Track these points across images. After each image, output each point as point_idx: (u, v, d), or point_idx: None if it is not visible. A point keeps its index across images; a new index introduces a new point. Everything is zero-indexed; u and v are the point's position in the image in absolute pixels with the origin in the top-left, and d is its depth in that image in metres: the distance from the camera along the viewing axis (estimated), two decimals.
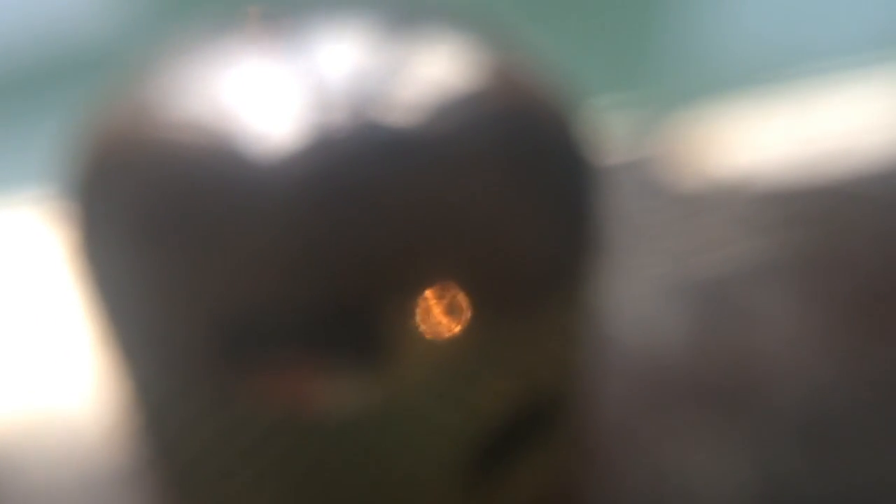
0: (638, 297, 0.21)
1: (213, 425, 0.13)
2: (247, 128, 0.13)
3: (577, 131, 0.15)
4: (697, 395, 0.20)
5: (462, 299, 0.13)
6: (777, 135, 0.23)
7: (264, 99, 0.14)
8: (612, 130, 0.23)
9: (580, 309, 0.14)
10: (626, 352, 0.20)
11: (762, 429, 0.19)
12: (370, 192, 0.13)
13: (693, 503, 0.18)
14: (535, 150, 0.14)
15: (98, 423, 0.19)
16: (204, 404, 0.13)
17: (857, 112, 0.24)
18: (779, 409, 0.19)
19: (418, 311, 0.13)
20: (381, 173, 0.13)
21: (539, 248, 0.13)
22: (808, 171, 0.23)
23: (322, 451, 0.13)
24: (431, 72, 0.14)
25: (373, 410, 0.13)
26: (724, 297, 0.21)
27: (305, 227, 0.13)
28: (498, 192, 0.13)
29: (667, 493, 0.19)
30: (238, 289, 0.12)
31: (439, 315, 0.13)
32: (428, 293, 0.13)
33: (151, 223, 0.13)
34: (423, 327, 0.13)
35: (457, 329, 0.13)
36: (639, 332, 0.20)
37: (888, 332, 0.20)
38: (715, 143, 0.23)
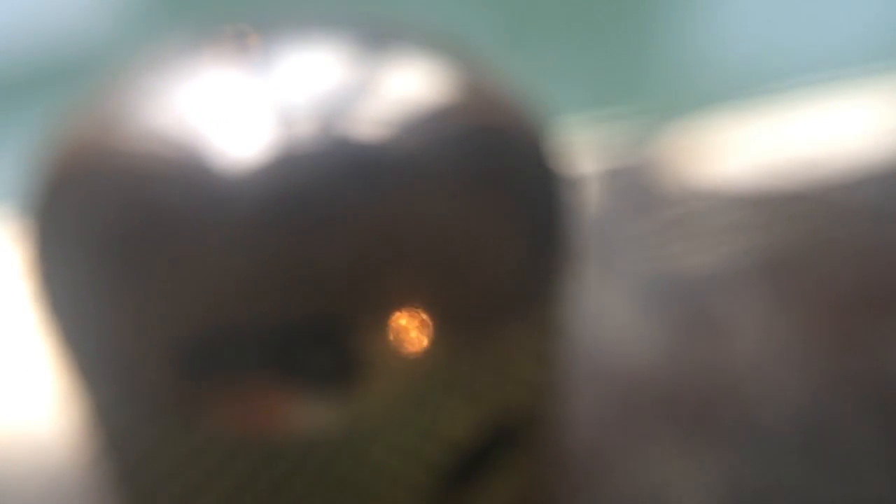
0: (612, 308, 0.21)
1: (174, 449, 0.13)
2: (212, 142, 0.13)
3: (548, 150, 0.15)
4: (671, 409, 0.19)
5: (429, 319, 0.13)
6: (757, 145, 0.23)
7: (231, 114, 0.13)
8: (593, 141, 0.23)
9: (549, 328, 0.14)
10: (598, 365, 0.20)
11: (735, 443, 0.19)
12: (336, 209, 0.13)
13: None
14: (504, 168, 0.14)
15: (64, 440, 0.19)
16: (165, 429, 0.13)
17: (838, 122, 0.24)
18: (753, 423, 0.19)
19: (386, 331, 0.12)
20: (348, 190, 0.13)
21: (508, 266, 0.13)
22: (788, 181, 0.23)
23: (287, 474, 0.13)
24: (400, 89, 0.14)
25: (339, 434, 0.13)
26: (700, 307, 0.21)
27: (270, 244, 0.12)
28: (466, 210, 0.13)
29: None
30: (200, 309, 0.12)
31: (407, 335, 0.13)
32: (395, 313, 0.13)
33: (109, 239, 0.13)
34: (390, 348, 0.13)
35: (424, 349, 0.13)
36: (612, 344, 0.20)
37: (865, 342, 0.20)
38: (696, 153, 0.23)
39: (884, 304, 0.21)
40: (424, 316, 0.13)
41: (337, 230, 0.13)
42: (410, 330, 0.13)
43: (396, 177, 0.13)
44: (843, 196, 0.22)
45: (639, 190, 0.23)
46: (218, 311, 0.12)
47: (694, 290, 0.21)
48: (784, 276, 0.21)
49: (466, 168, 0.13)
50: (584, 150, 0.23)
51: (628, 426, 0.19)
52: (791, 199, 0.22)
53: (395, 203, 0.13)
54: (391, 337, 0.12)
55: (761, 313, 0.21)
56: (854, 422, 0.19)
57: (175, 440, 0.13)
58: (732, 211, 0.22)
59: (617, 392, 0.20)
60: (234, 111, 0.13)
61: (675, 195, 0.22)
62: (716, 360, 0.20)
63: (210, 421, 0.12)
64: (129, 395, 0.12)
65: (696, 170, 0.23)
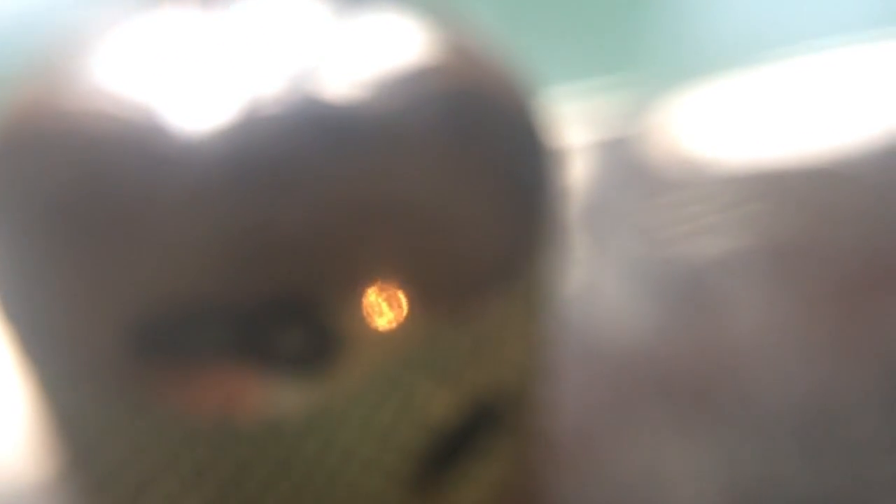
0: (603, 284, 0.20)
1: (127, 433, 0.12)
2: (169, 101, 0.12)
3: (535, 116, 0.14)
4: (665, 391, 0.18)
5: (404, 293, 0.12)
6: (756, 117, 0.22)
7: (190, 71, 0.12)
8: (585, 112, 0.22)
9: (535, 304, 0.13)
10: (588, 345, 0.19)
11: (734, 427, 0.18)
12: (304, 174, 0.12)
13: None
14: (486, 132, 0.13)
15: (20, 432, 0.18)
16: (116, 411, 0.12)
17: (841, 92, 0.23)
18: (752, 405, 0.18)
19: (358, 306, 0.11)
20: (316, 152, 0.12)
21: (489, 237, 0.12)
22: (788, 154, 0.22)
23: (251, 460, 0.12)
24: (375, 47, 0.13)
25: (308, 417, 0.12)
26: (697, 284, 0.20)
27: (232, 212, 0.11)
28: (444, 175, 0.12)
29: (631, 496, 0.17)
30: (154, 282, 0.11)
31: (380, 311, 0.12)
32: (368, 287, 0.12)
33: (55, 204, 0.11)
34: (363, 325, 0.12)
35: (399, 326, 0.12)
36: (603, 322, 0.19)
37: (870, 321, 0.19)
38: (692, 125, 0.22)
39: (890, 282, 0.20)
40: (399, 290, 0.12)
41: (304, 196, 0.12)
42: (384, 305, 0.12)
43: (369, 139, 0.12)
44: (847, 169, 0.21)
45: (632, 164, 0.22)
46: (174, 285, 0.11)
47: (690, 266, 0.20)
48: (785, 252, 0.20)
49: (445, 130, 0.12)
50: (576, 120, 0.22)
51: (620, 408, 0.18)
52: (792, 173, 0.21)
53: (367, 167, 0.12)
54: (364, 313, 0.11)
55: (761, 291, 0.20)
56: (858, 405, 0.18)
57: (128, 423, 0.12)
58: (731, 186, 0.21)
59: (608, 373, 0.19)
60: (194, 68, 0.12)
61: (671, 169, 0.21)
62: (713, 340, 0.19)
63: (165, 404, 0.11)
64: (76, 376, 0.11)
65: (691, 143, 0.22)
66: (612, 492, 0.17)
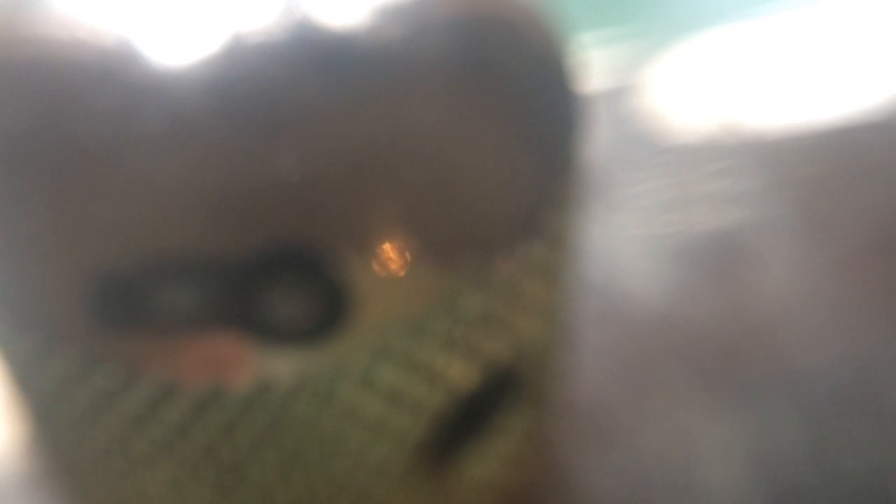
0: (623, 243, 0.18)
1: (88, 397, 0.10)
2: (144, 24, 0.10)
3: (561, 49, 0.12)
4: (690, 357, 0.17)
5: (419, 244, 0.10)
6: (774, 73, 0.21)
7: None
8: (598, 69, 0.20)
9: (561, 259, 0.12)
10: (607, 307, 0.18)
11: (766, 396, 0.17)
12: (301, 108, 0.10)
13: (680, 490, 0.16)
14: (508, 64, 0.11)
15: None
16: (78, 376, 0.10)
17: (864, 42, 0.21)
18: (786, 372, 0.17)
19: (368, 258, 0.10)
20: (314, 84, 0.10)
21: (513, 183, 0.11)
22: (808, 112, 0.20)
23: (237, 422, 0.10)
24: None
25: (315, 387, 0.10)
26: (722, 242, 0.18)
27: (217, 150, 0.10)
28: (459, 110, 0.11)
29: (655, 467, 0.16)
30: (128, 232, 0.10)
31: (395, 264, 0.10)
32: (379, 236, 0.10)
33: (14, 141, 0.10)
34: (375, 282, 0.10)
35: (415, 282, 0.10)
36: (622, 283, 0.18)
37: None
38: (707, 82, 0.20)
39: None
40: (410, 243, 0.10)
41: (300, 133, 0.10)
42: (395, 260, 0.10)
43: (371, 70, 0.10)
44: (879, 117, 0.20)
45: (647, 115, 0.20)
46: (149, 235, 0.10)
47: (712, 220, 0.19)
48: (814, 210, 0.19)
49: (459, 61, 0.11)
50: (589, 71, 0.21)
51: (642, 375, 0.17)
52: (819, 122, 0.20)
53: (369, 101, 0.10)
54: (372, 268, 0.10)
55: (790, 251, 0.18)
56: None
57: (90, 388, 0.10)
58: (753, 136, 0.20)
59: (629, 337, 0.17)
60: None
61: (688, 120, 0.20)
62: (741, 301, 0.18)
63: (136, 372, 0.10)
64: (33, 337, 0.10)
65: (708, 94, 0.20)
66: (635, 462, 0.16)
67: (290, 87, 0.10)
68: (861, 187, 0.19)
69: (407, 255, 0.10)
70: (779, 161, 0.19)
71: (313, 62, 0.10)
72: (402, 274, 0.10)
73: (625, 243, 0.18)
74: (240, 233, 0.10)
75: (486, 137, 0.11)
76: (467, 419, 0.12)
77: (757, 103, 0.20)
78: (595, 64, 0.21)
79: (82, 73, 0.10)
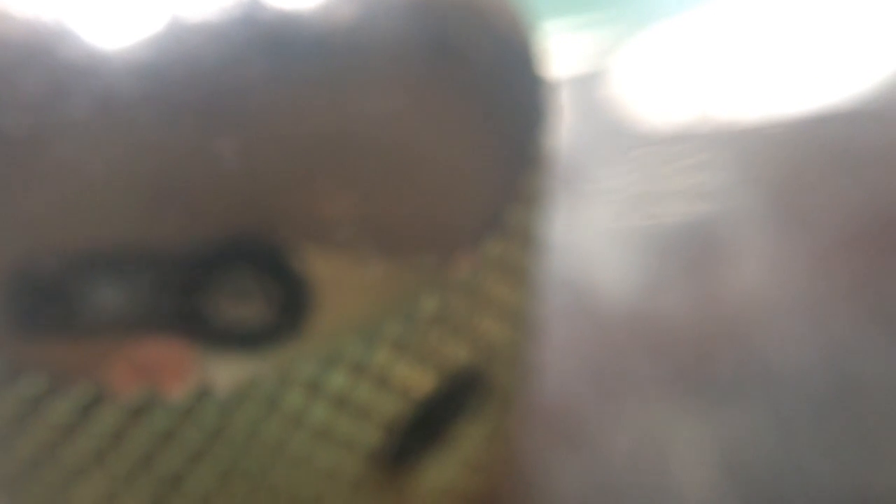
0: (588, 234, 0.18)
1: (10, 404, 0.10)
2: (79, 2, 0.10)
3: (523, 34, 0.11)
4: (661, 352, 0.16)
5: (374, 241, 0.10)
6: (747, 62, 0.20)
7: None
8: (565, 50, 0.20)
9: (526, 253, 0.11)
10: (572, 303, 0.17)
11: (740, 396, 0.16)
12: (245, 92, 0.09)
13: (650, 493, 0.15)
14: (471, 48, 0.11)
15: None
16: (3, 382, 0.09)
17: (841, 30, 0.20)
18: (757, 370, 0.16)
19: (316, 257, 0.09)
20: (259, 67, 0.10)
21: (477, 176, 0.10)
22: (782, 102, 0.20)
23: (174, 430, 0.10)
24: None
25: (259, 394, 0.09)
26: (693, 233, 0.18)
27: (153, 140, 0.09)
28: (417, 97, 0.10)
29: (623, 470, 0.15)
30: (52, 228, 0.09)
31: (347, 263, 0.09)
32: (329, 232, 0.09)
33: None
34: (331, 279, 0.09)
35: (373, 280, 0.09)
36: (589, 276, 0.17)
37: (884, 276, 0.17)
38: (681, 63, 0.20)
39: None
40: (368, 237, 0.09)
41: (243, 118, 0.09)
42: (350, 257, 0.09)
43: (320, 53, 0.10)
44: (854, 106, 0.19)
45: (617, 104, 0.19)
46: (74, 227, 0.09)
47: (683, 213, 0.18)
48: (789, 201, 0.18)
49: (417, 44, 0.10)
50: (557, 59, 0.20)
51: (611, 375, 0.16)
52: (792, 111, 0.19)
53: (318, 86, 0.10)
54: (324, 266, 0.09)
55: (764, 243, 0.18)
56: (878, 366, 0.16)
57: (13, 397, 0.09)
58: (726, 126, 0.19)
59: (597, 335, 0.17)
60: None
61: (659, 109, 0.19)
62: (714, 298, 0.17)
63: (64, 379, 0.09)
64: None
65: (680, 81, 0.20)
66: (604, 465, 0.16)
67: (232, 71, 0.09)
68: (836, 179, 0.18)
69: (360, 252, 0.09)
70: (752, 152, 0.19)
71: (257, 44, 0.10)
72: (354, 273, 0.09)
73: (594, 236, 0.18)
74: (175, 226, 0.09)
75: (446, 126, 0.10)
76: (425, 424, 0.11)
77: (730, 92, 0.19)
78: (564, 51, 0.20)
79: (4, 50, 0.09)
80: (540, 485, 0.15)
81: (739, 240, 0.18)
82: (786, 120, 0.19)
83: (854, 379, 0.16)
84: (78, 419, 0.09)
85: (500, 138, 0.10)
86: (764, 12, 0.20)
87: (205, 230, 0.09)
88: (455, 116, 0.10)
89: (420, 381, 0.10)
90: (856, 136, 0.19)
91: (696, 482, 0.15)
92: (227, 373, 0.09)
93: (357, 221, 0.10)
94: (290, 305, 0.09)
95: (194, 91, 0.09)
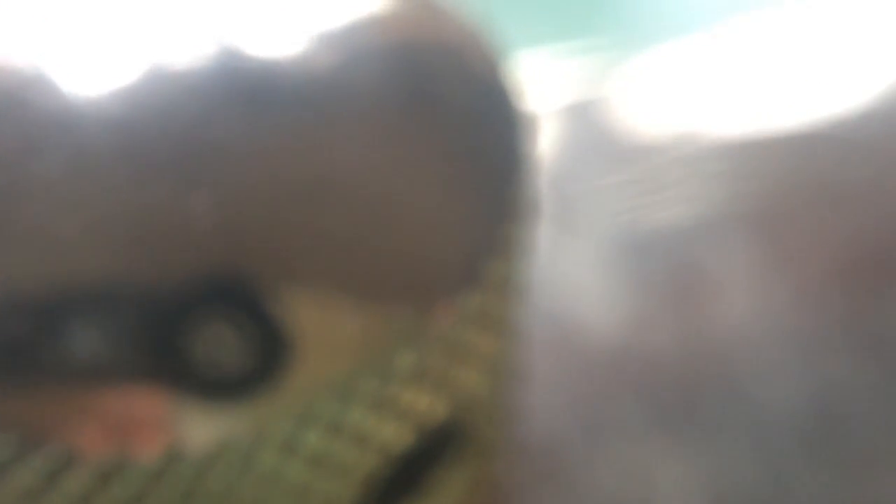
0: (572, 269, 0.17)
1: None
2: (58, 51, 0.10)
3: (504, 74, 0.11)
4: (645, 390, 0.16)
5: (354, 291, 0.09)
6: (738, 77, 0.20)
7: (84, 22, 0.10)
8: (550, 78, 0.20)
9: (506, 299, 0.11)
10: (556, 339, 0.17)
11: (725, 430, 0.16)
12: (216, 151, 0.09)
13: None
14: (445, 96, 0.10)
15: None
16: None
17: (834, 46, 0.20)
18: (743, 406, 0.16)
19: (290, 314, 0.09)
20: (235, 116, 0.09)
21: (457, 224, 0.10)
22: (775, 118, 0.19)
23: (142, 494, 0.10)
24: None
25: (233, 455, 0.09)
26: (678, 267, 0.18)
27: (124, 199, 0.09)
28: (395, 145, 0.10)
29: None
30: (16, 282, 0.09)
31: (321, 319, 0.09)
32: (303, 287, 0.09)
33: None
34: (308, 329, 0.09)
35: (351, 333, 0.09)
36: (573, 312, 0.17)
37: (874, 306, 0.17)
38: (668, 88, 0.20)
39: (893, 257, 0.18)
40: (342, 292, 0.09)
41: (219, 168, 0.09)
42: (324, 312, 0.09)
43: (297, 101, 0.10)
44: (841, 133, 0.19)
45: (603, 134, 0.19)
46: (41, 284, 0.09)
47: (671, 247, 0.18)
48: (777, 231, 0.18)
49: (395, 90, 0.10)
50: (540, 87, 0.20)
51: (593, 412, 0.16)
52: (779, 140, 0.19)
53: (295, 136, 0.10)
54: (298, 324, 0.09)
55: (750, 274, 0.17)
56: (866, 404, 0.16)
57: None
58: (713, 155, 0.19)
59: (579, 369, 0.16)
60: (88, 20, 0.10)
61: (646, 138, 0.19)
62: (698, 331, 0.17)
63: (30, 440, 0.09)
64: None
65: (666, 109, 0.20)
66: (588, 503, 0.15)
67: (206, 125, 0.09)
68: (824, 209, 0.18)
69: (336, 302, 0.09)
70: (739, 183, 0.19)
71: (234, 95, 0.09)
72: (330, 324, 0.09)
73: (579, 270, 0.18)
74: (148, 278, 0.09)
75: (424, 177, 0.10)
76: (402, 476, 0.11)
77: (718, 119, 0.19)
78: (552, 78, 0.20)
79: None
80: None
81: (726, 274, 0.17)
82: (773, 149, 0.19)
83: (840, 414, 0.16)
84: (45, 484, 0.09)
85: (480, 188, 0.10)
86: (753, 39, 0.20)
87: (178, 280, 0.09)
88: (433, 166, 0.10)
89: (395, 437, 0.10)
90: (844, 165, 0.19)
91: None
92: (200, 431, 0.09)
93: (333, 271, 0.09)
94: (266, 356, 0.09)
95: (169, 146, 0.09)
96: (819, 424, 0.16)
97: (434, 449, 0.11)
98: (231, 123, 0.09)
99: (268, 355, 0.09)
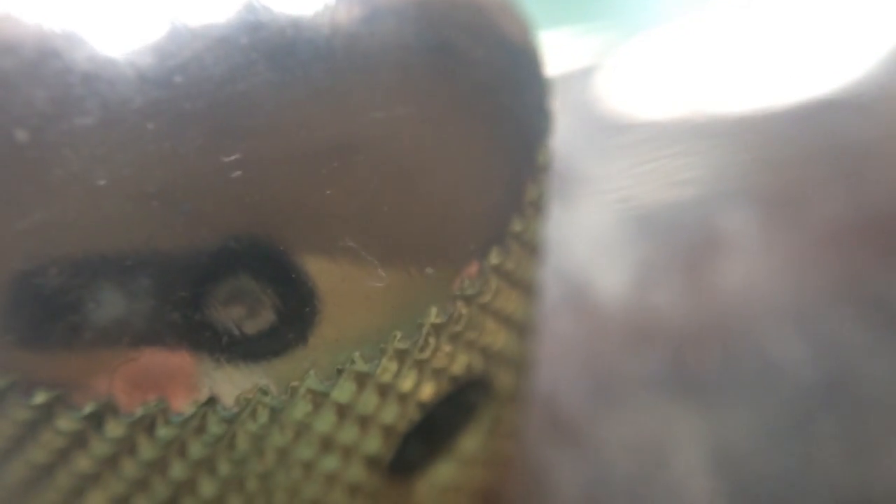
0: (574, 234, 0.18)
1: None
2: (84, 9, 0.10)
3: (528, 34, 0.11)
4: (647, 351, 0.16)
5: (385, 248, 0.09)
6: (732, 53, 0.20)
7: None
8: (559, 56, 0.20)
9: (532, 256, 0.11)
10: (558, 301, 0.17)
11: (726, 388, 0.16)
12: (248, 102, 0.09)
13: (645, 483, 0.15)
14: (471, 50, 0.10)
15: None
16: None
17: (828, 24, 0.20)
18: (746, 365, 0.16)
19: (322, 267, 0.09)
20: (263, 76, 0.09)
21: (479, 179, 0.10)
22: (770, 97, 0.19)
23: (169, 455, 0.10)
24: None
25: (264, 406, 0.09)
26: (679, 229, 0.18)
27: (158, 148, 0.09)
28: (423, 103, 0.10)
29: (613, 465, 0.15)
30: (54, 238, 0.09)
31: (353, 273, 0.09)
32: (334, 242, 0.09)
33: None
34: (329, 290, 0.09)
35: (383, 289, 0.09)
36: (577, 273, 0.17)
37: (874, 273, 0.17)
38: (666, 64, 0.20)
39: (891, 226, 0.18)
40: (373, 247, 0.09)
41: (249, 128, 0.09)
42: (356, 267, 0.09)
43: (326, 58, 0.10)
44: (845, 98, 0.19)
45: (603, 108, 0.19)
46: (78, 243, 0.09)
47: (671, 210, 0.18)
48: (775, 195, 0.18)
49: (420, 46, 0.10)
50: (553, 65, 0.20)
51: (602, 371, 0.16)
52: (783, 107, 0.19)
53: (323, 93, 0.09)
54: (330, 277, 0.09)
55: (755, 238, 0.18)
56: (872, 363, 0.16)
57: (9, 419, 0.09)
58: (717, 121, 0.19)
59: (581, 332, 0.17)
60: None
61: (649, 106, 0.19)
62: (706, 293, 0.17)
63: (64, 396, 0.09)
64: None
65: (670, 80, 0.20)
66: (596, 459, 0.16)
67: (236, 77, 0.09)
68: (826, 174, 0.18)
69: (365, 261, 0.09)
70: (742, 149, 0.19)
71: (259, 50, 0.09)
72: (360, 283, 0.09)
73: (587, 233, 0.18)
74: (180, 235, 0.09)
75: (451, 132, 0.10)
76: (429, 427, 0.11)
77: (719, 89, 0.19)
78: (556, 52, 0.20)
79: (12, 56, 0.09)
80: (536, 475, 0.15)
81: (730, 236, 0.18)
82: (775, 116, 0.19)
83: (845, 374, 0.16)
84: (83, 433, 0.09)
85: (508, 145, 0.10)
86: (752, 9, 0.20)
87: (210, 238, 0.09)
88: (461, 124, 0.10)
89: (425, 390, 0.10)
90: (845, 131, 0.19)
91: (689, 472, 0.16)
92: (232, 384, 0.09)
93: (361, 230, 0.09)
94: (296, 315, 0.09)
95: (198, 97, 0.09)
96: (822, 382, 0.16)
97: (458, 400, 0.11)
98: (258, 77, 0.09)
99: (296, 314, 0.09)
